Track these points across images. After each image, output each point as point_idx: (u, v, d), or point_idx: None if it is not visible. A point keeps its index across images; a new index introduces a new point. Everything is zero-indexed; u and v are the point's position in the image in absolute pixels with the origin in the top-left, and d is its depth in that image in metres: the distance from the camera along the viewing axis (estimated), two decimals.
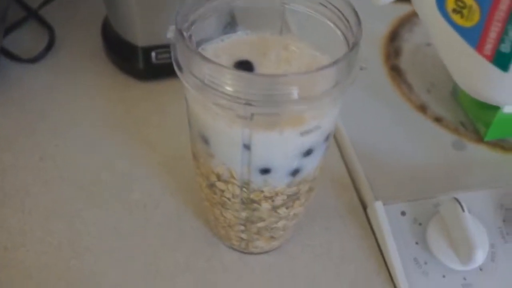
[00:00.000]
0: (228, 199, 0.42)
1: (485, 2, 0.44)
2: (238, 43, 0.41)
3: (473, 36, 0.46)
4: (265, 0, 0.42)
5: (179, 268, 0.48)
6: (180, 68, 0.36)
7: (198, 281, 0.48)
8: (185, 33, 0.37)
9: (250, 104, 0.33)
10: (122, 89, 0.63)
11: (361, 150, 0.57)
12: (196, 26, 0.39)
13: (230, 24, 0.42)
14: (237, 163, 0.38)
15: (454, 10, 0.46)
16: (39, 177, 0.54)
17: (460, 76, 0.52)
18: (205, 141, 0.39)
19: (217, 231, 0.49)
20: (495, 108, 0.57)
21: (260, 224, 0.44)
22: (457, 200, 0.49)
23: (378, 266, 0.50)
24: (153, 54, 0.61)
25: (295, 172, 0.39)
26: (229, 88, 0.34)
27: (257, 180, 0.39)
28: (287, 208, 0.43)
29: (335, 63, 0.34)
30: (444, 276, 0.48)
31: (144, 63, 0.62)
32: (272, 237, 0.47)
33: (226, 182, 0.41)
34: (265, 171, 0.38)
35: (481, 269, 0.49)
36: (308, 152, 0.38)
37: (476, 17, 0.45)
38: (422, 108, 0.63)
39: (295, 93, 0.33)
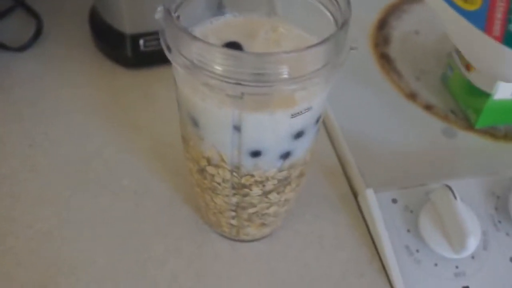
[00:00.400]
0: (219, 184, 0.42)
1: None
2: (227, 26, 0.40)
3: (480, 19, 0.46)
4: None
5: (170, 255, 0.48)
6: (169, 49, 0.35)
7: (188, 268, 0.47)
8: (173, 14, 0.36)
9: (240, 84, 0.33)
10: (110, 76, 0.62)
11: (352, 138, 0.57)
12: (183, 7, 0.38)
13: (218, 6, 0.42)
14: (227, 145, 0.38)
15: None
16: (28, 164, 0.53)
17: (475, 59, 0.51)
18: (195, 123, 0.38)
19: (207, 218, 0.48)
20: (486, 95, 0.56)
21: (251, 210, 0.44)
22: (449, 187, 0.48)
23: (370, 254, 0.49)
24: (141, 41, 0.61)
25: (286, 155, 0.39)
26: (218, 68, 0.33)
27: (248, 163, 0.39)
28: (278, 193, 0.43)
29: (325, 41, 0.33)
30: (436, 265, 0.48)
31: (132, 51, 0.61)
32: (263, 224, 0.46)
33: (216, 166, 0.40)
34: (256, 153, 0.38)
35: (473, 257, 0.48)
36: (299, 134, 0.38)
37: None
38: (412, 96, 0.62)
39: (285, 72, 0.33)
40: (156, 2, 0.57)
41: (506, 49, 0.46)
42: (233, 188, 0.42)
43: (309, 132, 0.39)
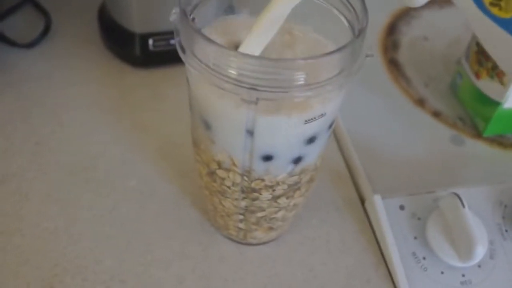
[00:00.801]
0: (228, 187, 0.41)
1: None
2: (240, 26, 0.40)
3: None
4: None
5: (176, 257, 0.48)
6: (183, 50, 0.35)
7: (194, 270, 0.47)
8: (188, 16, 0.36)
9: (255, 89, 0.33)
10: (118, 75, 0.62)
11: (359, 143, 0.57)
12: (198, 10, 0.38)
13: (229, 8, 0.41)
14: (239, 149, 0.37)
15: (491, 4, 0.46)
16: (35, 162, 0.53)
17: (506, 65, 0.51)
18: (207, 126, 0.38)
19: (214, 221, 0.48)
20: (495, 104, 0.56)
21: (260, 214, 0.44)
22: (457, 195, 0.48)
23: (377, 260, 0.49)
24: (150, 41, 0.61)
25: (297, 160, 0.39)
26: (233, 72, 0.33)
27: (259, 168, 0.39)
28: (287, 198, 0.42)
29: (342, 48, 0.33)
30: (442, 272, 0.48)
31: (141, 50, 0.61)
32: (270, 228, 0.46)
33: (227, 170, 0.40)
34: (267, 158, 0.38)
35: (479, 266, 0.48)
36: (311, 140, 0.37)
37: None
38: (420, 102, 0.62)
39: (301, 78, 0.33)
40: (166, 2, 0.57)
41: None
42: (243, 192, 0.41)
43: (321, 137, 0.38)
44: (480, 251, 0.46)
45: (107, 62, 0.63)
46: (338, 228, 0.51)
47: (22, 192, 0.51)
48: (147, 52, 0.61)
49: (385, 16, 0.73)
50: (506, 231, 0.50)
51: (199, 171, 0.44)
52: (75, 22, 0.67)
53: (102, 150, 0.55)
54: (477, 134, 0.60)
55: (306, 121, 0.36)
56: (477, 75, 0.58)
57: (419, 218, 0.50)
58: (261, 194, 0.41)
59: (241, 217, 0.44)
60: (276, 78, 0.33)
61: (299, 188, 0.42)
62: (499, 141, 0.59)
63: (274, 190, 0.41)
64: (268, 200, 0.42)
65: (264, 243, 0.49)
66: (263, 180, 0.40)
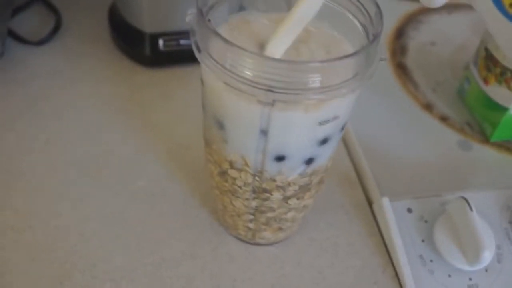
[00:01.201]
0: (240, 187, 0.42)
1: None
2: (255, 23, 0.40)
3: None
4: None
5: (185, 257, 0.48)
6: (199, 50, 0.35)
7: (203, 270, 0.47)
8: (205, 17, 0.36)
9: (271, 91, 0.33)
10: (127, 74, 0.62)
11: (367, 147, 0.57)
12: (213, 11, 0.39)
13: (241, 9, 0.42)
14: (252, 150, 0.38)
15: (511, 5, 0.46)
16: (45, 159, 0.53)
17: None
18: (220, 126, 0.38)
19: (224, 221, 0.48)
20: (503, 109, 0.57)
21: (270, 214, 0.44)
22: (465, 199, 0.48)
23: (384, 262, 0.49)
24: (160, 41, 0.61)
25: (309, 161, 0.39)
26: (250, 73, 0.33)
27: (271, 168, 0.39)
28: (297, 199, 0.43)
29: (357, 52, 0.34)
30: (450, 276, 0.48)
31: (151, 50, 0.62)
32: (280, 229, 0.46)
33: (239, 170, 0.40)
34: (280, 158, 0.38)
35: (486, 270, 0.48)
36: (324, 141, 0.38)
37: None
38: (428, 107, 0.62)
39: (317, 81, 0.33)
40: (176, 2, 0.58)
41: None
42: (254, 192, 0.42)
43: (333, 139, 0.39)
44: (488, 255, 0.46)
45: (116, 61, 0.63)
46: (346, 230, 0.51)
47: (33, 189, 0.51)
48: (157, 51, 0.62)
49: (393, 20, 0.73)
50: None
51: (210, 170, 0.44)
52: (85, 20, 0.68)
53: (112, 149, 0.55)
54: (485, 139, 0.60)
55: (320, 123, 0.36)
56: (486, 81, 0.58)
57: (426, 221, 0.50)
58: (272, 195, 0.42)
59: (251, 217, 0.45)
60: (292, 80, 0.33)
61: (309, 189, 0.43)
62: (506, 146, 0.59)
63: (285, 191, 0.41)
64: (279, 200, 0.42)
65: (272, 243, 0.49)
66: (274, 180, 0.40)
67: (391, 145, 0.58)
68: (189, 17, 0.37)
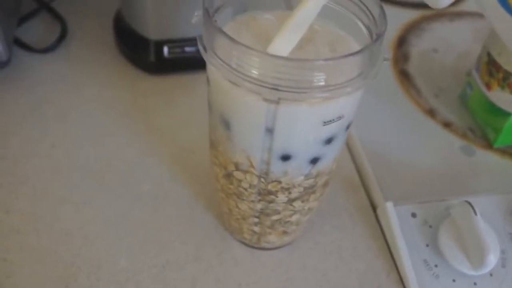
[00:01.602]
0: (245, 189, 0.42)
1: None
2: (260, 22, 0.40)
3: None
4: None
5: (189, 261, 0.48)
6: (205, 50, 0.36)
7: (208, 274, 0.47)
8: (212, 17, 0.37)
9: (276, 89, 0.33)
10: (132, 81, 0.63)
11: (371, 152, 0.57)
12: (218, 13, 0.39)
13: (244, 11, 0.42)
14: (258, 148, 0.38)
15: None
16: (51, 164, 0.54)
17: None
18: (226, 125, 0.38)
19: (229, 224, 0.49)
20: (506, 115, 0.57)
21: (275, 217, 0.44)
22: (469, 203, 0.49)
23: (388, 266, 0.49)
24: (165, 48, 0.61)
25: (314, 160, 0.39)
26: (255, 72, 0.33)
27: (277, 169, 0.39)
28: (302, 201, 0.43)
29: (361, 50, 0.34)
30: (454, 280, 0.48)
31: (156, 57, 0.62)
32: (284, 232, 0.46)
33: (244, 171, 0.40)
34: (286, 157, 0.38)
35: (491, 275, 0.48)
36: (329, 140, 0.38)
37: None
38: (431, 113, 0.63)
39: (322, 79, 0.33)
40: (183, 8, 0.58)
41: None
42: (259, 194, 0.42)
43: (338, 138, 0.39)
44: (492, 259, 0.46)
45: (121, 68, 0.64)
46: (350, 234, 0.51)
47: (38, 193, 0.51)
48: (162, 58, 0.62)
49: (396, 28, 0.74)
50: None
51: (215, 173, 0.44)
52: (90, 28, 0.68)
53: (116, 153, 0.55)
54: (488, 145, 0.60)
55: (324, 123, 0.36)
56: (488, 86, 0.58)
57: (430, 226, 0.50)
58: (277, 197, 0.42)
59: (256, 220, 0.45)
60: (297, 78, 0.33)
61: (314, 192, 0.43)
62: (509, 152, 0.60)
63: (290, 193, 0.41)
64: (284, 203, 0.42)
65: (277, 247, 0.49)
66: (279, 182, 0.40)
67: (394, 151, 0.58)
68: (196, 19, 0.38)
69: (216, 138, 0.41)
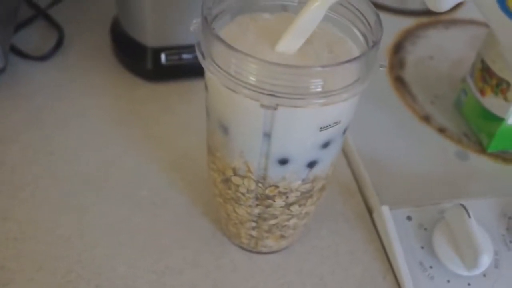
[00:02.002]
0: (243, 194, 0.42)
1: None
2: (259, 23, 0.41)
3: None
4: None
5: (188, 266, 0.48)
6: (203, 55, 0.36)
7: (206, 279, 0.48)
8: (210, 25, 0.37)
9: (274, 95, 0.34)
10: (129, 88, 0.63)
11: (367, 157, 0.58)
12: (217, 21, 0.39)
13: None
14: (256, 153, 0.38)
15: None
16: (49, 171, 0.54)
17: None
18: (224, 130, 0.39)
19: (226, 229, 0.49)
20: (499, 120, 0.58)
21: (272, 222, 0.44)
22: (463, 206, 0.49)
23: (384, 269, 0.50)
24: (163, 55, 0.62)
25: (312, 164, 0.40)
26: (253, 78, 0.34)
27: (274, 174, 0.40)
28: (299, 206, 0.43)
29: (358, 57, 0.35)
30: (448, 281, 0.49)
31: (153, 64, 0.62)
32: (282, 236, 0.47)
33: (242, 176, 0.41)
34: (283, 161, 0.39)
35: (484, 275, 0.49)
36: (326, 144, 0.38)
37: None
38: (426, 119, 0.63)
39: (319, 85, 0.34)
40: (180, 15, 0.59)
41: None
42: (257, 198, 0.42)
43: (335, 142, 0.39)
44: (485, 259, 0.47)
45: (118, 75, 0.64)
46: (347, 238, 0.52)
47: (37, 200, 0.52)
48: (159, 66, 0.62)
49: (392, 35, 0.74)
50: (510, 242, 0.51)
51: (213, 179, 0.45)
52: (87, 35, 0.69)
53: (114, 160, 0.56)
54: (482, 149, 0.61)
55: (321, 128, 0.37)
56: (482, 92, 0.59)
57: (425, 229, 0.51)
58: (274, 201, 0.42)
59: (254, 224, 0.45)
60: (295, 85, 0.34)
61: (311, 196, 0.43)
62: (502, 156, 0.60)
63: (287, 197, 0.42)
64: (281, 207, 0.43)
65: (274, 252, 0.50)
66: (277, 187, 0.41)
67: (390, 156, 0.59)
68: (194, 26, 0.38)
69: (214, 143, 0.42)
